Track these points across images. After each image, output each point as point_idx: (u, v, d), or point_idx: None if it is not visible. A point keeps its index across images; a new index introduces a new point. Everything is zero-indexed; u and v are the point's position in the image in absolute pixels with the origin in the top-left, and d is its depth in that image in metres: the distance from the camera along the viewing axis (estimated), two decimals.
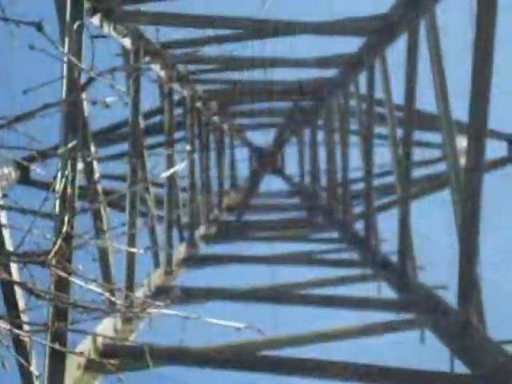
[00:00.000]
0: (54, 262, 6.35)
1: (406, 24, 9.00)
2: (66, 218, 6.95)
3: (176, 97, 13.34)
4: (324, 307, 10.49)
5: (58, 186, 7.09)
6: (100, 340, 7.22)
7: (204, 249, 14.13)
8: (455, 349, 9.14)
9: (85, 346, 7.25)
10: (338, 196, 16.10)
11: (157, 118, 13.46)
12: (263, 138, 19.58)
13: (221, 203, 17.51)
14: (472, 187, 8.73)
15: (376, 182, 14.93)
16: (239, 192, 19.54)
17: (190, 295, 10.46)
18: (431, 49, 8.46)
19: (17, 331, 6.23)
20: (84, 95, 7.76)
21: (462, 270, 9.03)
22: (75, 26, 7.69)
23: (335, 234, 15.70)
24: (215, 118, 16.96)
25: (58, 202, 7.02)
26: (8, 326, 6.20)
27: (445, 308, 9.36)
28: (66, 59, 7.37)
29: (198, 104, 15.06)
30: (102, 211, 8.63)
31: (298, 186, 19.45)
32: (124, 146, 10.91)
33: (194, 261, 12.70)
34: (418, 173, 17.35)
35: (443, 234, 11.07)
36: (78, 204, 7.54)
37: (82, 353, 6.84)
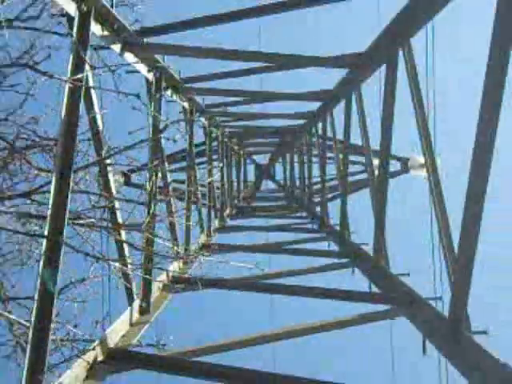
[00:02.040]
0: (146, 228, 6.55)
1: (383, 58, 7.16)
2: (152, 204, 7.15)
3: (213, 135, 13.37)
4: (306, 297, 7.52)
5: (148, 187, 7.27)
6: (109, 343, 5.49)
7: (229, 222, 14.02)
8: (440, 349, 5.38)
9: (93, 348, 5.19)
10: (305, 191, 15.96)
11: (202, 147, 13.46)
12: (263, 159, 19.74)
13: (238, 196, 17.59)
14: (382, 190, 7.68)
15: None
16: (249, 190, 19.67)
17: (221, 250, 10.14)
18: (410, 81, 6.49)
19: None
20: (162, 135, 7.97)
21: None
22: (157, 96, 7.78)
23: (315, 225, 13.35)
24: (235, 147, 17.04)
25: (148, 196, 7.18)
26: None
27: (420, 300, 6.23)
28: (152, 113, 7.56)
29: (226, 139, 15.12)
30: (172, 201, 8.79)
31: (282, 186, 19.53)
32: (184, 163, 10.99)
33: (223, 229, 12.61)
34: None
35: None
36: (158, 196, 7.62)
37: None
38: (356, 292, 7.14)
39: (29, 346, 4.06)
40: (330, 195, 13.31)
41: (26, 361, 4.00)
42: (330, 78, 9.46)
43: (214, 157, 13.67)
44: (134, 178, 11.86)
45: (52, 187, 4.53)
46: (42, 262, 4.28)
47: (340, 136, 10.62)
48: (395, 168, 13.95)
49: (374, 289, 7.54)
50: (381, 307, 6.62)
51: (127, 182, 11.82)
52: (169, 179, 8.77)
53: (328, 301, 7.20)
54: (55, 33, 6.84)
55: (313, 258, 9.74)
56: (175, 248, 7.96)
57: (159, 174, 7.83)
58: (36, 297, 4.18)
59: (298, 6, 6.78)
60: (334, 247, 10.37)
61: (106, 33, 5.83)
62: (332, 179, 13.59)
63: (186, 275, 8.00)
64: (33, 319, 4.14)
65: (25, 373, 3.95)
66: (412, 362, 5.84)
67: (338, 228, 10.77)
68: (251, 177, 20.24)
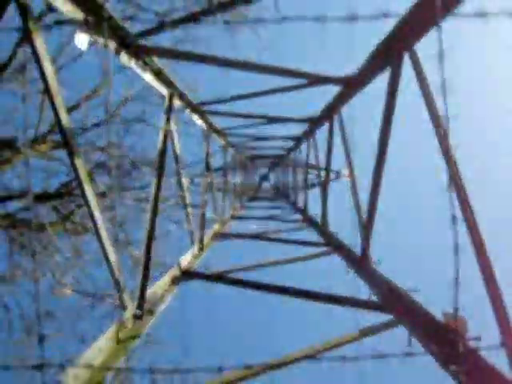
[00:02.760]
0: (202, 206, 6.44)
1: (326, 119, 6.70)
2: (205, 194, 7.09)
3: (237, 157, 13.18)
4: (286, 243, 6.94)
5: (203, 185, 7.25)
6: (182, 265, 5.22)
7: (245, 203, 13.79)
8: (356, 272, 4.90)
9: (174, 268, 5.00)
10: (286, 188, 15.74)
11: (231, 164, 13.19)
12: (264, 170, 19.59)
13: (249, 190, 17.39)
14: (326, 187, 7.37)
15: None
16: (256, 186, 19.50)
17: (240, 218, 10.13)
18: (342, 138, 5.95)
19: None
20: (211, 158, 7.92)
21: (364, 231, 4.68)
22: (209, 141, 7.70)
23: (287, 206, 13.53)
24: (249, 164, 16.83)
25: (203, 189, 7.16)
26: None
27: (344, 245, 5.93)
28: (206, 146, 7.51)
29: (244, 160, 14.92)
30: (215, 192, 8.71)
31: (273, 186, 19.43)
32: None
33: (242, 207, 12.43)
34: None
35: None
36: (207, 190, 7.50)
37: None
38: (307, 241, 7.01)
39: (141, 267, 4.08)
40: (298, 190, 13.17)
41: (140, 275, 4.01)
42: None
43: (238, 169, 13.57)
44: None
45: (153, 185, 4.50)
46: (147, 223, 4.24)
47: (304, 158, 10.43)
48: (333, 176, 13.84)
49: (320, 239, 7.25)
50: (321, 249, 6.40)
51: (192, 182, 11.69)
52: (214, 181, 8.65)
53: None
54: (155, 104, 6.96)
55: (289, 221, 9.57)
56: (216, 216, 7.97)
57: (208, 178, 7.75)
58: (144, 241, 4.18)
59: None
60: (300, 216, 10.20)
61: (182, 104, 5.83)
62: (300, 182, 13.42)
63: (222, 231, 7.94)
64: (143, 252, 4.17)
65: (140, 281, 3.97)
66: (339, 281, 5.42)
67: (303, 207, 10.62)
68: (257, 180, 20.08)
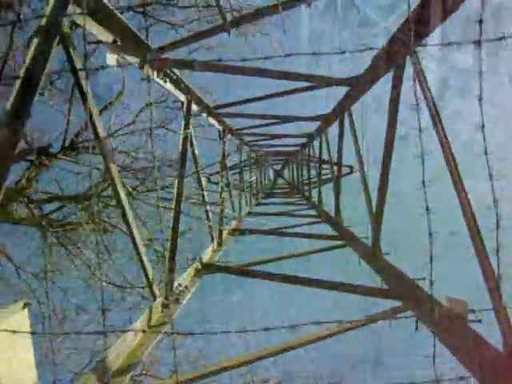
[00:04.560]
0: (220, 203, 6.67)
1: (337, 117, 6.72)
2: (222, 192, 7.26)
3: (252, 155, 13.21)
4: (297, 237, 7.11)
5: (220, 183, 7.42)
6: (203, 259, 5.44)
7: (260, 200, 13.78)
8: (368, 263, 4.94)
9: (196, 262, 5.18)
10: (299, 184, 15.71)
11: (247, 162, 13.22)
12: (278, 167, 19.59)
13: (264, 187, 17.38)
14: (338, 183, 7.42)
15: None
16: (270, 183, 19.50)
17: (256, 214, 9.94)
18: (352, 134, 5.99)
19: None
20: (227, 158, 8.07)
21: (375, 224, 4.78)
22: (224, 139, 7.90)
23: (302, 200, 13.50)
24: (264, 161, 16.78)
25: (220, 188, 7.34)
26: None
27: (356, 237, 6.03)
28: (223, 147, 7.64)
29: (259, 158, 14.92)
30: (232, 190, 8.89)
31: (288, 182, 19.41)
32: (237, 170, 10.81)
33: (257, 204, 12.17)
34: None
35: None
36: (224, 188, 7.61)
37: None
38: (322, 235, 7.15)
39: (167, 262, 4.35)
40: (312, 186, 13.21)
41: (167, 268, 4.28)
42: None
43: (253, 166, 13.69)
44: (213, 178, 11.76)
45: (176, 184, 4.74)
46: (172, 221, 4.52)
47: (317, 154, 10.45)
48: (346, 171, 13.77)
49: (333, 232, 7.36)
50: (335, 242, 6.52)
51: (209, 181, 11.78)
52: (229, 179, 8.67)
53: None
54: (173, 108, 7.21)
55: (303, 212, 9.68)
56: (234, 213, 8.14)
57: (224, 177, 7.84)
58: (169, 237, 4.45)
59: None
60: (314, 211, 10.12)
61: (199, 108, 6.03)
62: (314, 177, 13.44)
63: (240, 227, 8.07)
64: (169, 247, 4.41)
65: (167, 274, 4.22)
66: (355, 269, 5.47)
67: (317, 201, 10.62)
68: (271, 176, 20.09)
